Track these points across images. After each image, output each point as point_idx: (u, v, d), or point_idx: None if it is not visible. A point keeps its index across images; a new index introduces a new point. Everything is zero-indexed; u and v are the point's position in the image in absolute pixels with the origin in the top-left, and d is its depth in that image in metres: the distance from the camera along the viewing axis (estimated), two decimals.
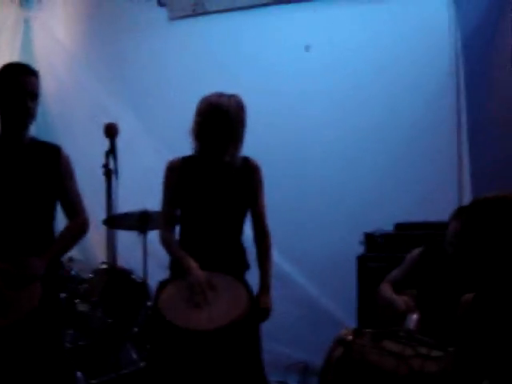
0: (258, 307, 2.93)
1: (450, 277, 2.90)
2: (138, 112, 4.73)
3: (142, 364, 3.42)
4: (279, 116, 4.50)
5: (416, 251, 3.17)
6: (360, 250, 4.11)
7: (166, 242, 3.04)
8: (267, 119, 4.38)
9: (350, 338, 2.67)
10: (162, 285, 3.02)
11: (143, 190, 4.21)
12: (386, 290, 3.13)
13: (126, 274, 3.46)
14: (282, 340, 3.89)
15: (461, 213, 2.89)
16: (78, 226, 3.02)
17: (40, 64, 4.44)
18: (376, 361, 2.57)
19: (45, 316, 2.77)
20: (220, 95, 2.94)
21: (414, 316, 2.88)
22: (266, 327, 3.03)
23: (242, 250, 3.10)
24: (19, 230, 2.85)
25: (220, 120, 2.90)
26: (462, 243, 1.87)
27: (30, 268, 2.74)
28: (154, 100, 4.82)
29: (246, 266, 3.11)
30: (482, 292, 1.92)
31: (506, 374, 1.79)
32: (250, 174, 3.05)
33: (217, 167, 3.01)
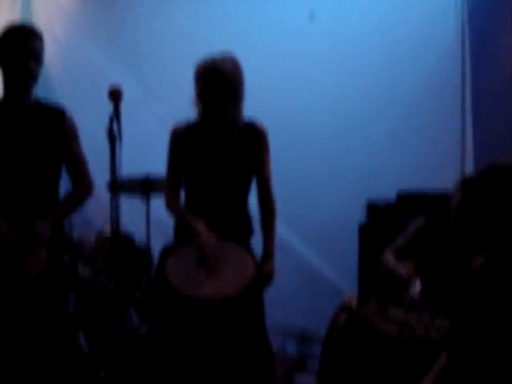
0: (262, 273, 2.94)
1: (454, 247, 2.90)
2: (139, 77, 4.67)
3: (144, 329, 3.43)
4: (282, 80, 4.45)
5: (419, 221, 3.16)
6: (362, 218, 4.12)
7: (172, 207, 3.03)
8: (270, 84, 4.35)
9: (354, 305, 2.68)
10: (166, 251, 3.01)
11: (146, 155, 4.20)
12: (389, 257, 3.13)
13: (128, 239, 3.46)
14: (281, 307, 3.91)
15: (465, 183, 2.88)
16: (83, 189, 3.01)
17: (40, 28, 4.38)
18: (380, 327, 2.59)
19: (49, 280, 2.78)
20: (214, 57, 2.91)
21: (417, 284, 2.89)
22: (265, 294, 3.05)
23: (247, 216, 3.09)
24: (24, 192, 2.85)
25: (220, 82, 2.88)
26: (474, 210, 1.86)
27: (36, 232, 2.74)
28: (156, 66, 4.76)
29: (251, 232, 3.11)
30: (492, 258, 1.93)
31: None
32: (256, 138, 3.04)
33: (221, 132, 3.00)
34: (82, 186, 3.01)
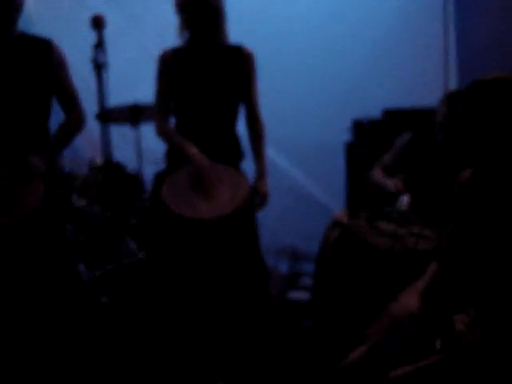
0: (257, 193, 3.02)
1: (440, 161, 2.97)
2: (120, 6, 4.58)
3: (141, 254, 3.51)
4: (267, 5, 4.41)
5: (405, 137, 3.21)
6: (348, 136, 4.17)
7: (164, 132, 3.07)
8: (254, 9, 4.31)
9: (346, 219, 2.77)
10: (159, 176, 3.07)
11: (130, 84, 4.16)
12: (377, 173, 3.20)
13: (121, 167, 3.48)
14: (272, 227, 4.00)
15: (450, 97, 2.92)
16: (75, 120, 3.01)
17: None
18: (372, 240, 2.69)
19: (47, 212, 2.82)
20: None
21: (405, 197, 2.97)
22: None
23: (236, 140, 3.14)
24: (15, 126, 2.84)
25: (204, 9, 2.88)
26: (460, 124, 1.91)
27: (31, 165, 2.75)
28: None
29: (241, 156, 3.16)
30: (479, 170, 2.00)
31: (497, 249, 1.88)
32: (243, 61, 3.06)
33: (209, 55, 3.00)
34: (75, 117, 3.01)
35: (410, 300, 2.01)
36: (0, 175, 2.73)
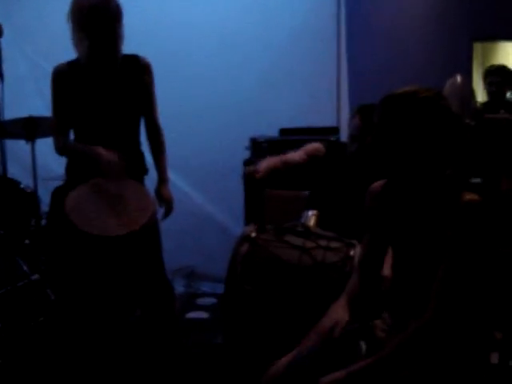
0: (162, 200, 2.96)
1: (349, 173, 3.05)
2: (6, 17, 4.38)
3: (34, 276, 3.34)
4: (161, 21, 4.40)
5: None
6: (245, 155, 4.21)
7: (64, 146, 2.96)
8: (149, 25, 4.28)
9: (255, 234, 2.77)
10: (58, 192, 2.95)
11: (19, 99, 3.98)
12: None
13: (14, 184, 3.31)
14: (168, 246, 3.95)
15: (362, 111, 3.02)
16: None
17: None
18: (281, 254, 2.70)
19: None
20: None
21: (310, 212, 3.03)
22: None
23: (140, 154, 3.08)
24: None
25: (105, 14, 2.81)
26: (375, 136, 1.97)
27: None
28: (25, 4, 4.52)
29: (145, 171, 3.10)
30: (391, 181, 2.07)
31: (413, 250, 1.96)
32: (141, 71, 3.00)
33: (105, 67, 2.93)
34: None
35: (338, 313, 2.03)
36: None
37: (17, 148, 3.64)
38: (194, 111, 4.44)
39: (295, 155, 3.28)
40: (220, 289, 4.43)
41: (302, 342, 2.00)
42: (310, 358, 1.88)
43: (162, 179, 3.07)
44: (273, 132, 4.27)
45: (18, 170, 3.62)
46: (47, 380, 2.90)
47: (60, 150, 2.94)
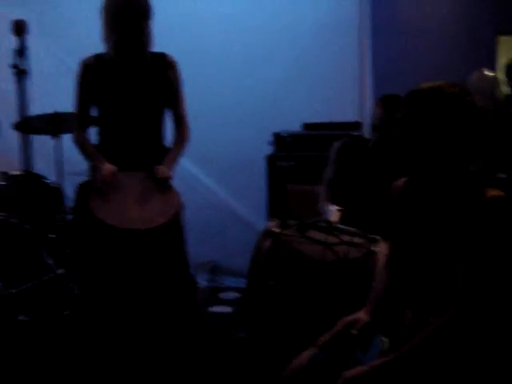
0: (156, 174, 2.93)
1: (371, 168, 3.04)
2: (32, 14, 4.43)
3: (59, 270, 3.38)
4: (182, 20, 4.42)
5: (335, 145, 3.26)
6: (268, 150, 4.21)
7: (79, 143, 3.00)
8: (171, 23, 4.30)
9: (278, 229, 2.77)
10: (83, 187, 2.98)
11: (45, 95, 4.03)
12: (322, 196, 3.22)
13: (40, 179, 3.35)
14: (191, 240, 3.99)
15: (385, 100, 3.01)
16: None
17: None
18: (304, 249, 2.70)
19: None
20: None
21: (333, 208, 3.02)
22: None
23: (163, 149, 3.09)
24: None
25: (132, 17, 2.85)
26: (399, 132, 1.97)
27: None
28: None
29: None
30: (413, 177, 2.06)
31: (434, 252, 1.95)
32: (167, 68, 3.03)
33: (133, 62, 2.96)
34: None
35: (361, 313, 2.05)
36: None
37: (42, 143, 3.69)
38: (217, 106, 4.46)
39: None
40: (243, 283, 4.47)
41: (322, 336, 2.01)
42: (331, 353, 1.89)
43: (167, 161, 3.01)
44: (295, 127, 4.27)
45: (43, 166, 3.66)
46: (72, 373, 2.94)
47: (76, 142, 2.99)
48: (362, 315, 2.04)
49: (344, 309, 2.16)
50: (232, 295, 4.46)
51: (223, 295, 4.48)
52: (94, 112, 3.04)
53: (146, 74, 2.98)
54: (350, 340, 1.94)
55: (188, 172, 4.36)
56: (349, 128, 4.07)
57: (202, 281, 4.53)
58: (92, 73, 2.96)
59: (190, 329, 3.02)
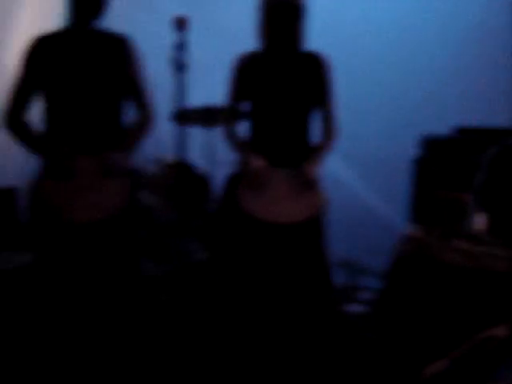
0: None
1: None
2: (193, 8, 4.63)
3: (206, 255, 3.52)
4: (343, 17, 4.43)
5: (491, 152, 3.13)
6: (415, 152, 4.12)
7: (229, 136, 3.09)
8: (333, 24, 4.33)
9: (420, 234, 2.72)
10: (233, 178, 3.08)
11: (201, 87, 4.20)
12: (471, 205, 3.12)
13: (191, 168, 3.51)
14: (330, 237, 4.01)
15: None
16: (144, 119, 2.98)
17: None
18: (445, 257, 2.63)
19: (126, 210, 2.83)
20: None
21: (481, 217, 2.91)
22: None
23: (308, 149, 3.12)
24: (91, 122, 2.83)
25: (291, 16, 2.90)
26: None
27: (116, 162, 2.75)
28: None
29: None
30: None
31: None
32: (319, 68, 3.06)
33: (286, 60, 3.01)
34: (145, 114, 2.97)
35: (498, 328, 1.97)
36: (89, 172, 2.74)
37: (196, 135, 3.85)
38: (367, 104, 4.43)
39: None
40: (380, 284, 4.42)
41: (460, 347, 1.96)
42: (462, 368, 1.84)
43: (310, 158, 3.03)
44: (444, 130, 4.14)
45: (196, 156, 3.83)
46: (209, 355, 3.05)
47: (226, 136, 3.10)
48: (500, 331, 1.96)
49: (482, 322, 2.09)
50: (369, 295, 4.42)
51: (360, 295, 4.44)
52: (245, 107, 3.13)
53: (298, 72, 3.02)
54: (485, 356, 1.87)
55: (330, 168, 4.36)
56: (504, 135, 3.87)
57: (339, 279, 4.52)
58: (245, 69, 3.05)
59: (326, 326, 3.04)
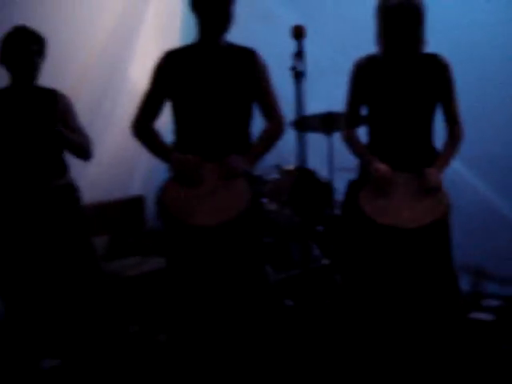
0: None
1: None
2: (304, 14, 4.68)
3: (325, 261, 3.55)
4: (459, 20, 4.37)
5: None
6: None
7: (349, 141, 3.11)
8: (449, 21, 4.28)
9: None
10: (354, 184, 3.09)
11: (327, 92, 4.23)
12: None
13: (313, 174, 3.55)
14: (456, 240, 3.92)
15: None
16: (277, 126, 3.09)
17: None
18: None
19: (250, 216, 2.88)
20: None
21: None
22: None
23: (432, 152, 3.08)
24: (219, 130, 2.96)
25: (410, 19, 2.87)
26: None
27: (235, 166, 2.85)
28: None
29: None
30: None
31: None
32: (440, 70, 3.01)
33: (404, 65, 2.99)
34: (276, 123, 3.07)
35: None
36: (213, 176, 2.85)
37: (316, 140, 3.88)
38: (492, 106, 4.32)
39: None
40: (509, 291, 4.25)
41: None
42: None
43: (437, 164, 2.99)
44: None
45: (316, 162, 3.86)
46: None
47: (346, 141, 3.12)
48: None
49: None
50: (495, 303, 4.27)
51: (486, 302, 4.30)
52: (364, 111, 3.14)
53: (420, 74, 2.99)
54: None
55: (455, 171, 4.26)
56: None
57: (465, 284, 4.40)
58: (364, 73, 3.05)
59: (451, 334, 2.97)
